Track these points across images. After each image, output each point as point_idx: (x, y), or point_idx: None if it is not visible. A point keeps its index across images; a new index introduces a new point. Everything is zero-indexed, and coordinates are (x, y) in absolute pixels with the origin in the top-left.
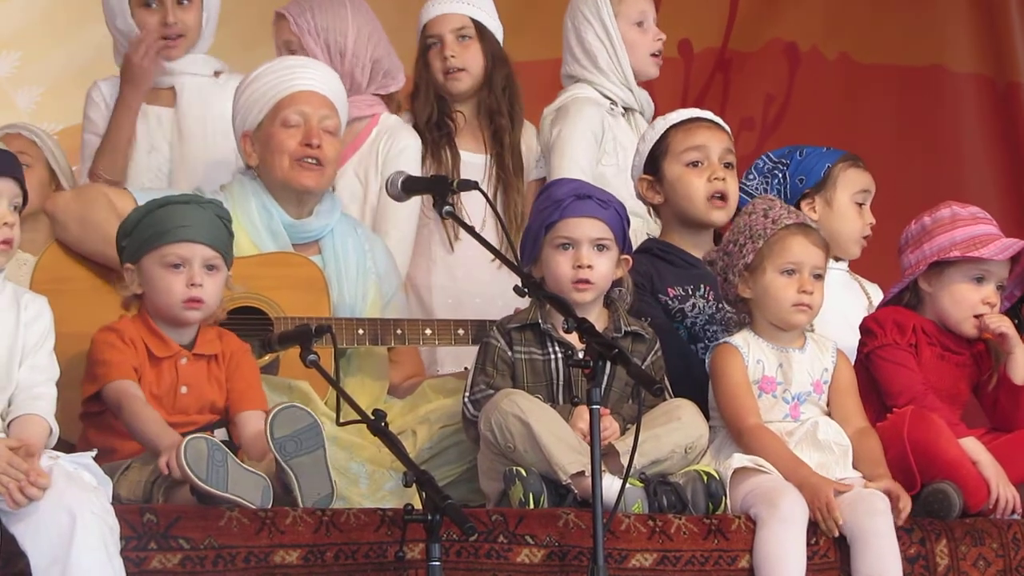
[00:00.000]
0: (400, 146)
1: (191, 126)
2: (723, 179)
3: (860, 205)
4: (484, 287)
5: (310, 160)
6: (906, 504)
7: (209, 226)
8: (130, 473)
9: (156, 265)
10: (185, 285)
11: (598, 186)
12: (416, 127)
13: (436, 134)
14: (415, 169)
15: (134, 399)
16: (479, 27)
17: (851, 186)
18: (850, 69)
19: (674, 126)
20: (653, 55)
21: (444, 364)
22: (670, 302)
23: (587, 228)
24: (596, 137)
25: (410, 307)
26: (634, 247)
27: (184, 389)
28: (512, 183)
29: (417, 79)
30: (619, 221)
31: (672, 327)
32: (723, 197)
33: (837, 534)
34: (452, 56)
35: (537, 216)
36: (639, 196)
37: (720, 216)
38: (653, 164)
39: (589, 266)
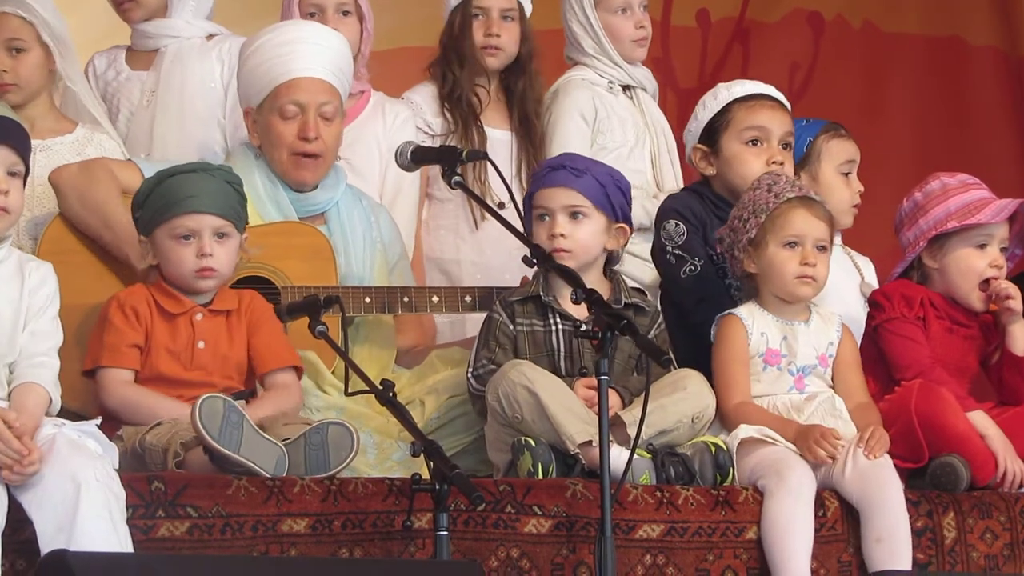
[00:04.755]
0: (402, 117)
1: (167, 92)
2: (781, 163)
3: (847, 175)
4: (513, 261)
5: (307, 155)
6: (881, 438)
7: (217, 194)
8: (160, 428)
9: (167, 238)
10: (196, 256)
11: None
12: (448, 97)
13: (462, 108)
14: (413, 137)
15: (121, 386)
16: (521, 9)
17: (835, 158)
18: (874, 38)
19: (738, 100)
20: (635, 41)
21: (443, 334)
22: (715, 257)
23: (560, 197)
24: (587, 118)
25: (435, 282)
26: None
27: (201, 344)
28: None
29: (447, 48)
30: (599, 190)
31: (715, 272)
32: None
33: (838, 455)
34: (497, 35)
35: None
36: (690, 162)
37: None
38: (710, 135)
39: (562, 235)
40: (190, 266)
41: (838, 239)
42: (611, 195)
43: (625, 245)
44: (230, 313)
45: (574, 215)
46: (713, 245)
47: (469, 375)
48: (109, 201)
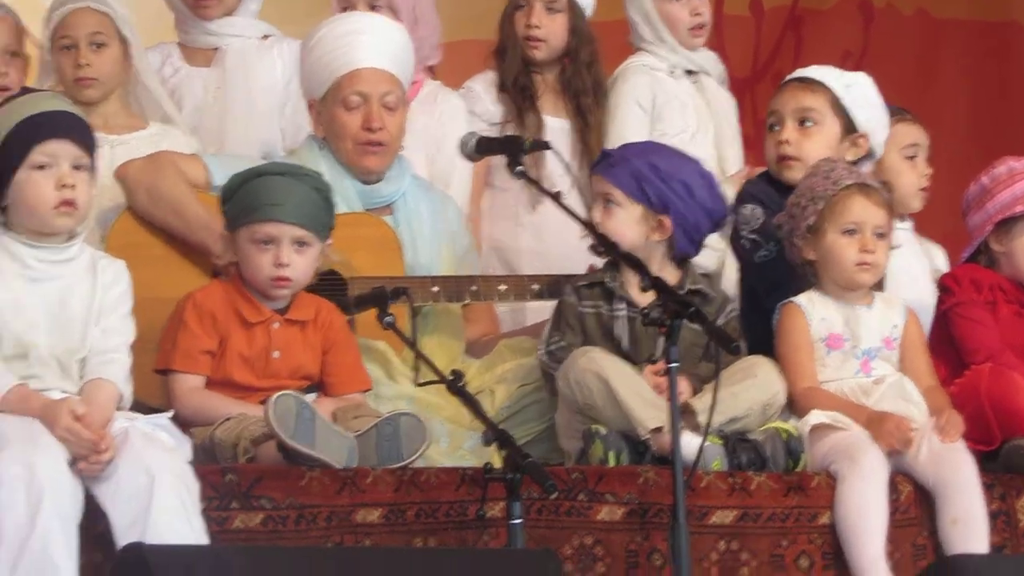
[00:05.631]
0: (451, 107)
1: (234, 90)
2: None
3: (912, 158)
4: (572, 250)
5: (372, 145)
6: (955, 421)
7: (301, 203)
8: (228, 423)
9: (246, 241)
10: (273, 264)
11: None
12: (502, 86)
13: (520, 97)
14: (465, 126)
15: (193, 393)
16: (571, 2)
17: (898, 142)
18: (926, 24)
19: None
20: (692, 29)
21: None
22: None
23: (596, 185)
24: (643, 105)
25: (495, 271)
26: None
27: (276, 354)
28: (595, 155)
29: (503, 38)
30: (631, 180)
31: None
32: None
33: (914, 445)
34: (536, 26)
35: None
36: None
37: None
38: None
39: (597, 223)
40: (266, 273)
41: (909, 225)
42: (648, 186)
43: (670, 236)
44: (306, 323)
45: (607, 205)
46: None
47: (541, 352)
48: (178, 191)
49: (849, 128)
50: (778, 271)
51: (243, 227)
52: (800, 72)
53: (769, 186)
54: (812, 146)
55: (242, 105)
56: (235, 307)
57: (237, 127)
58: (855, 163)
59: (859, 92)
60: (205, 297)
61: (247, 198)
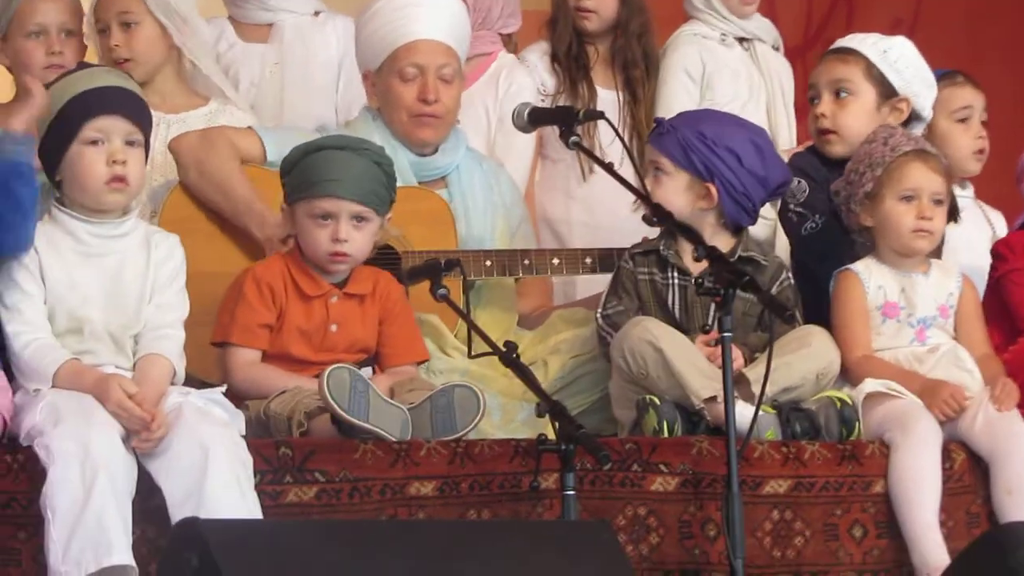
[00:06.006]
0: (517, 85)
1: (293, 65)
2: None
3: (964, 121)
4: (623, 222)
5: (427, 117)
6: (1011, 390)
7: (360, 178)
8: (283, 396)
9: (305, 215)
10: (331, 239)
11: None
12: (554, 56)
13: (573, 67)
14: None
15: (248, 367)
16: None
17: (947, 106)
18: None
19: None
20: None
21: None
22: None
23: (647, 154)
24: (692, 75)
25: (546, 243)
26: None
27: (334, 327)
28: (644, 132)
29: (555, 10)
30: (678, 148)
31: (839, 234)
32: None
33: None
34: None
35: None
36: None
37: None
38: None
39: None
40: (324, 248)
41: (970, 192)
42: (694, 154)
43: (717, 205)
44: (364, 297)
45: (656, 173)
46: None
47: (598, 315)
48: (227, 171)
49: (888, 93)
50: (824, 243)
51: (302, 201)
52: (838, 43)
53: (815, 158)
54: (848, 117)
55: (301, 80)
56: (294, 280)
57: (296, 102)
58: (904, 126)
59: (896, 55)
60: (265, 270)
61: (306, 172)
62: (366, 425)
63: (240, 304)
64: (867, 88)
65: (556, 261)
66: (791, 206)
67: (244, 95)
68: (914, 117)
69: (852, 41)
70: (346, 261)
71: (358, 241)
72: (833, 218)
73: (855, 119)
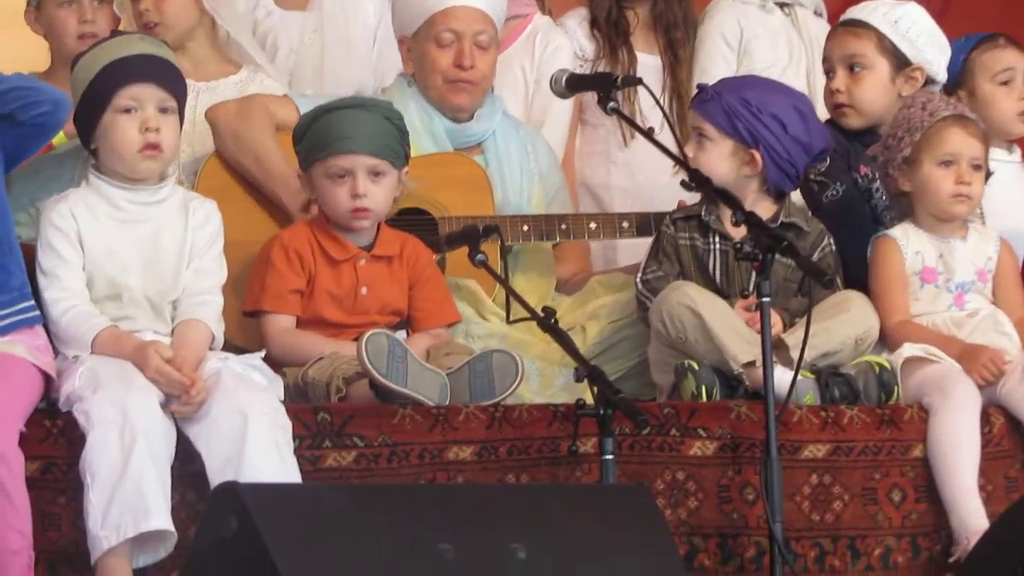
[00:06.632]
0: (553, 46)
1: (334, 33)
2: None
3: (1006, 83)
4: (663, 188)
5: (462, 83)
6: None
7: (373, 132)
8: (321, 362)
9: (322, 176)
10: (350, 195)
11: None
12: (594, 22)
13: (613, 32)
14: (567, 67)
15: (284, 334)
16: None
17: (989, 69)
18: None
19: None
20: None
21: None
22: (860, 180)
23: (690, 120)
24: (730, 41)
25: (586, 208)
26: None
27: (364, 290)
28: (685, 95)
29: None
30: (722, 115)
31: (862, 199)
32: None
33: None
34: None
35: None
36: None
37: None
38: None
39: (690, 158)
40: (345, 206)
41: (1017, 155)
42: (738, 121)
43: (761, 171)
44: (392, 259)
45: (699, 140)
46: (857, 169)
47: (637, 280)
48: (263, 141)
49: (902, 64)
50: (846, 210)
51: (317, 163)
52: (848, 13)
53: (834, 128)
54: (864, 92)
55: (341, 48)
56: (321, 246)
57: (336, 69)
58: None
59: (907, 25)
60: (291, 237)
61: (318, 134)
62: (404, 391)
63: (270, 272)
64: (881, 61)
65: (593, 225)
66: (812, 175)
67: (283, 62)
68: (929, 82)
69: (863, 12)
70: (368, 216)
71: (377, 195)
72: (853, 186)
73: (871, 93)
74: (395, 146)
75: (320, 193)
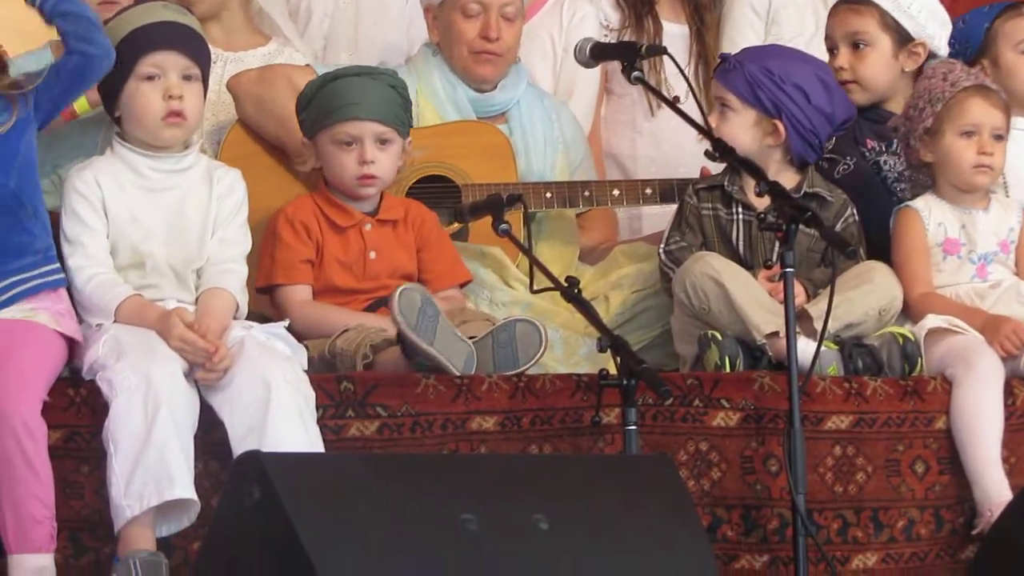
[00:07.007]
0: (580, 15)
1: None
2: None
3: None
4: (688, 157)
5: (487, 54)
6: None
7: (380, 100)
8: (348, 333)
9: (328, 143)
10: (357, 163)
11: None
12: None
13: (639, 1)
14: (593, 36)
15: (305, 306)
16: None
17: (1012, 38)
18: None
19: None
20: None
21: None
22: (867, 153)
23: (713, 90)
24: (758, 10)
25: (612, 177)
26: None
27: (373, 255)
28: (712, 60)
29: None
30: (745, 85)
31: (872, 173)
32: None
33: None
34: None
35: None
36: None
37: None
38: None
39: (713, 128)
40: (352, 172)
41: None
42: (761, 91)
43: (784, 141)
44: (397, 223)
45: (722, 110)
46: (863, 143)
47: (660, 250)
48: (285, 103)
49: (904, 39)
50: (858, 183)
51: (324, 130)
52: None
53: None
54: (868, 68)
55: (376, 12)
56: (326, 215)
57: (370, 34)
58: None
59: (908, 0)
60: (295, 210)
61: (325, 102)
62: (430, 350)
63: (278, 246)
64: (883, 38)
65: (616, 192)
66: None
67: (317, 27)
68: (931, 56)
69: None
70: (375, 183)
71: (384, 163)
72: (862, 159)
73: (874, 69)
74: (401, 114)
75: (326, 160)
